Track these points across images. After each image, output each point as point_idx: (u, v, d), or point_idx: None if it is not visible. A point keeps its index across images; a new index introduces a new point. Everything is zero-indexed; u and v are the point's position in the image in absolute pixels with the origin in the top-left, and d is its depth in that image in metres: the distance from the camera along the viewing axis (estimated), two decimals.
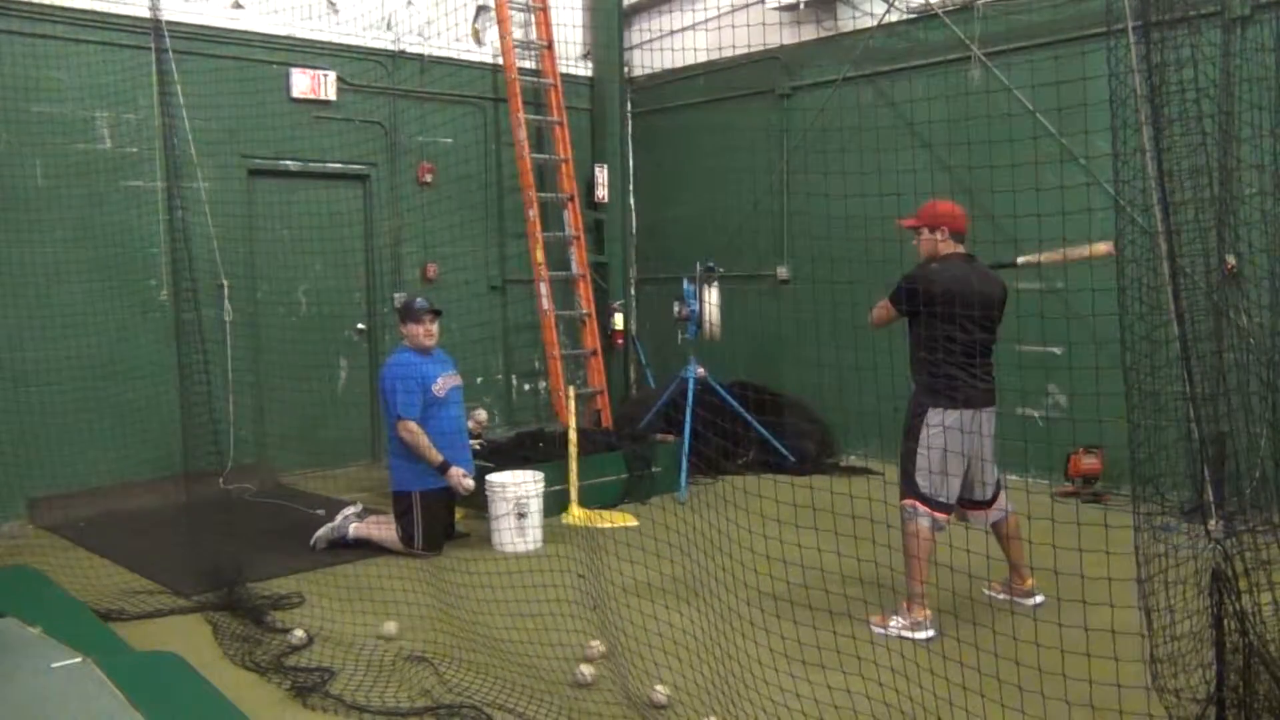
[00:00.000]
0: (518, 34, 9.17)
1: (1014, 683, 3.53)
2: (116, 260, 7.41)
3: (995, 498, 4.93)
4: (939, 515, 4.69)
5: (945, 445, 4.63)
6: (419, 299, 6.44)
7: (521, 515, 6.17)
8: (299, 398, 8.15)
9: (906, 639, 4.53)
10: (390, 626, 4.73)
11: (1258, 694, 3.09)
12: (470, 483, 6.14)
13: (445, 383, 6.24)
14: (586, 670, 4.14)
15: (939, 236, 4.86)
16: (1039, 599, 4.87)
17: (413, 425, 6.03)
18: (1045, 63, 6.93)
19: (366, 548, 6.15)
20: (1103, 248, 4.73)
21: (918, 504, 4.69)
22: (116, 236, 7.41)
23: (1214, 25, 6.33)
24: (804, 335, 8.52)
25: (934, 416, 4.67)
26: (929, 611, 4.66)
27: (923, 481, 4.67)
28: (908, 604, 4.70)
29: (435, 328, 6.29)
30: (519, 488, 6.18)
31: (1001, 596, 4.99)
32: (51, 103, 7.16)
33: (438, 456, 6.05)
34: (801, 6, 8.68)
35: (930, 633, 4.60)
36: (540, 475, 6.36)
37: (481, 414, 8.01)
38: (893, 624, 4.66)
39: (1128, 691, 3.27)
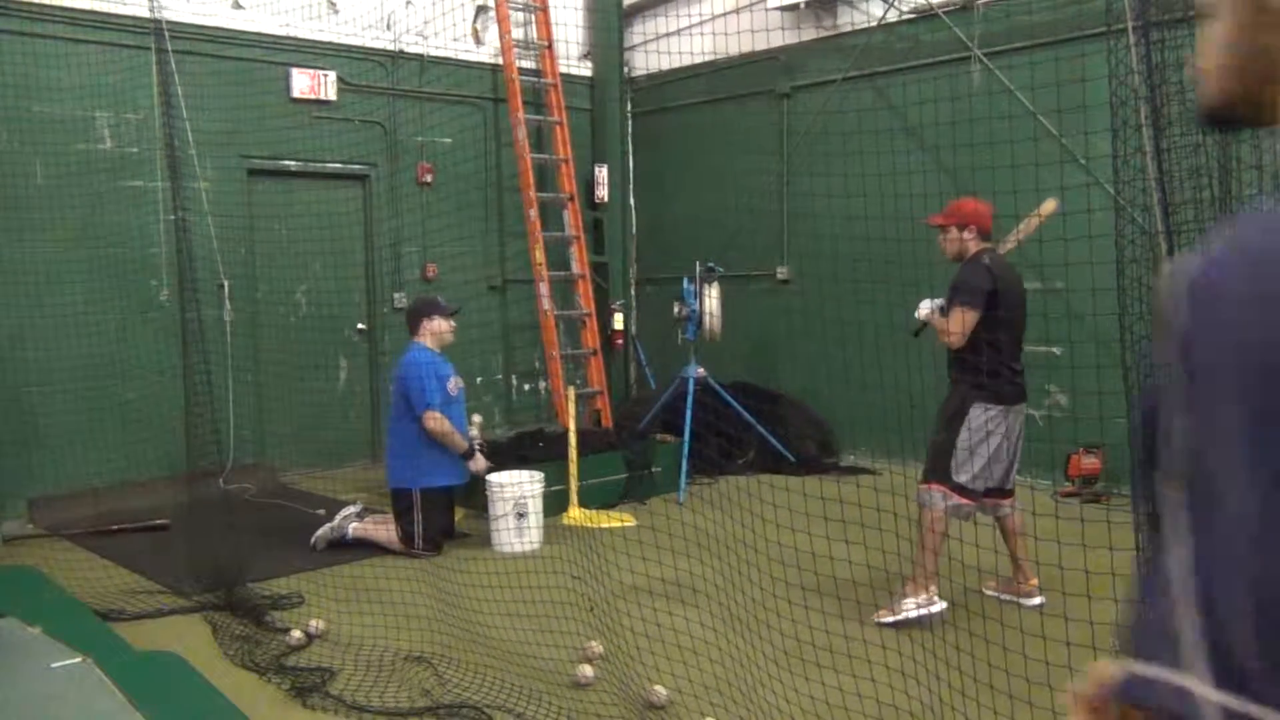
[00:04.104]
0: (517, 34, 9.17)
1: (1017, 678, 3.53)
2: (116, 260, 7.41)
3: (1013, 492, 4.98)
4: (965, 501, 4.77)
5: (985, 440, 4.71)
6: (439, 297, 6.60)
7: (521, 515, 6.17)
8: (299, 398, 8.15)
9: (914, 617, 4.62)
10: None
11: None
12: (485, 464, 6.36)
13: (455, 383, 6.34)
14: (586, 670, 4.14)
15: (967, 235, 4.89)
16: (1039, 600, 4.87)
17: (440, 414, 6.12)
18: (1045, 63, 6.93)
19: (367, 548, 6.15)
20: (1050, 205, 4.92)
21: (940, 488, 4.75)
22: (116, 236, 7.41)
23: None
24: (804, 335, 8.53)
25: (977, 411, 4.74)
26: (935, 589, 4.74)
27: (957, 471, 4.75)
28: (913, 583, 4.75)
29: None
30: (518, 488, 6.18)
31: (1005, 597, 5.00)
32: (51, 103, 7.16)
33: (463, 443, 6.24)
34: (802, 6, 8.68)
35: (942, 604, 4.68)
36: (540, 475, 6.36)
37: (478, 418, 8.05)
38: (906, 604, 4.72)
39: None
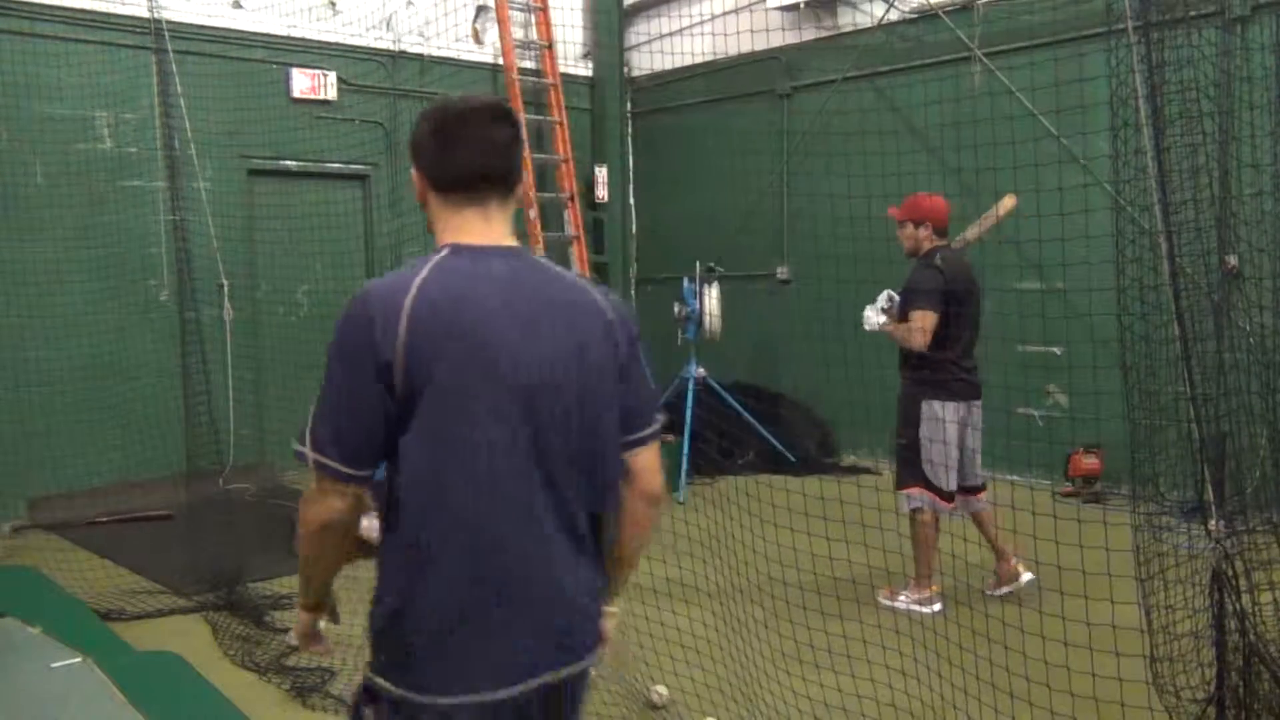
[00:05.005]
0: (518, 34, 9.17)
1: (1017, 678, 3.53)
2: (116, 260, 7.40)
3: (984, 487, 5.00)
4: (942, 503, 4.82)
5: (943, 437, 4.71)
6: None
7: None
8: (299, 397, 8.13)
9: (915, 613, 4.67)
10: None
11: (1258, 694, 3.09)
12: None
13: None
14: None
15: (922, 232, 4.91)
16: (1029, 576, 4.88)
17: None
18: (1045, 63, 6.93)
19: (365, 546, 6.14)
20: (1009, 202, 4.94)
21: (922, 490, 4.80)
22: (116, 236, 7.40)
23: (1213, 25, 6.32)
24: (804, 335, 8.52)
25: (928, 408, 4.75)
26: (938, 588, 4.79)
27: (928, 471, 4.79)
28: (916, 581, 4.80)
29: None
30: None
31: (1002, 592, 5.00)
32: (51, 103, 7.15)
33: None
34: (802, 6, 8.68)
35: (938, 606, 4.71)
36: None
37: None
38: (902, 598, 4.77)
39: (1128, 685, 3.27)
